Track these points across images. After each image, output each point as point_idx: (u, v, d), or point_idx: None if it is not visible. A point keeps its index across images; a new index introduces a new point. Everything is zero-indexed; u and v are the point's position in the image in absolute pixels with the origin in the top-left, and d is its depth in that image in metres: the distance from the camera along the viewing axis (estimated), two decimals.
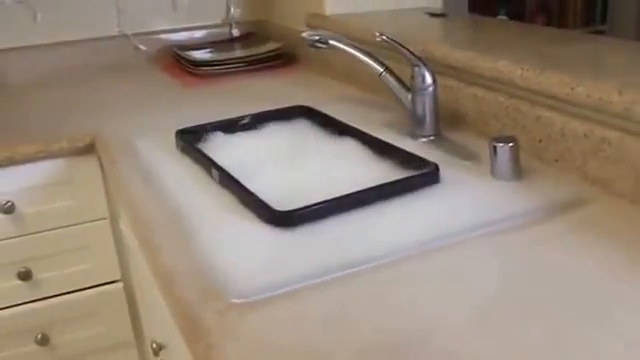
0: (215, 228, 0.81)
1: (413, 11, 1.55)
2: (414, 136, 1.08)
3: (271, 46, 1.65)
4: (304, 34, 1.06)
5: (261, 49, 1.66)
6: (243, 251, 0.75)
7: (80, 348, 1.40)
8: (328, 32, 1.07)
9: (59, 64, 1.73)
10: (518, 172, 0.91)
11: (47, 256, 1.31)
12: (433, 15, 1.46)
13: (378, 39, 0.97)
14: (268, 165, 0.98)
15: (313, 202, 0.81)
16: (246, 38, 1.80)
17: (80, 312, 1.37)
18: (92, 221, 1.32)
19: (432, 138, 1.07)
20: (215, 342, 0.60)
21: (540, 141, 0.97)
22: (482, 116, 1.07)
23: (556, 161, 0.95)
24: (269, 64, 1.61)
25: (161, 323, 1.03)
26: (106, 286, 1.38)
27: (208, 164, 0.96)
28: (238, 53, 1.69)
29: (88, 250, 1.34)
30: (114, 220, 1.34)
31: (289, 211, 0.79)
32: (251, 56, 1.61)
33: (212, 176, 0.94)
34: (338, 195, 0.82)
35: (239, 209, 0.85)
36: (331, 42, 1.03)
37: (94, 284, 1.37)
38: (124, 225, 1.28)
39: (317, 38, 1.03)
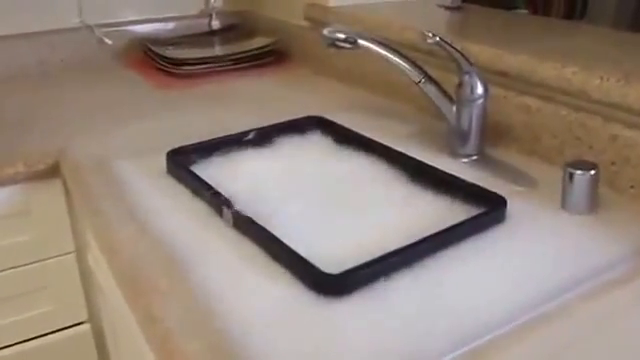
0: (234, 293, 0.61)
1: (423, 3, 1.37)
2: (454, 155, 0.90)
3: (261, 41, 1.43)
4: (324, 31, 0.86)
5: (250, 45, 1.43)
6: (282, 332, 0.56)
7: None
8: (348, 28, 0.88)
9: (8, 62, 1.46)
10: (595, 203, 0.75)
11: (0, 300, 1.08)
12: (447, 8, 1.29)
13: (430, 40, 0.78)
14: (288, 197, 0.79)
15: (366, 259, 0.62)
16: (228, 31, 1.57)
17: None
18: (55, 257, 1.09)
19: (475, 157, 0.90)
20: None
21: (613, 164, 0.81)
22: (533, 131, 0.90)
23: (632, 187, 0.79)
24: (259, 62, 1.39)
25: None
26: (71, 329, 1.16)
27: (215, 200, 0.76)
28: (221, 49, 1.46)
29: (50, 290, 1.11)
30: (80, 254, 1.12)
31: (342, 274, 0.60)
32: (239, 53, 1.39)
33: (222, 216, 0.74)
34: (394, 248, 0.63)
35: (264, 263, 0.65)
36: (361, 42, 0.83)
37: (57, 328, 1.14)
38: (93, 261, 1.06)
39: (343, 37, 0.84)
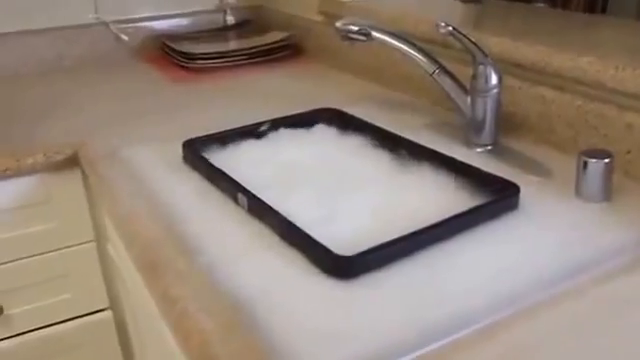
0: (255, 274, 0.62)
1: None
2: (468, 145, 0.91)
3: (275, 36, 1.44)
4: (337, 24, 0.87)
5: (264, 39, 1.45)
6: (297, 310, 0.57)
7: None
8: (362, 20, 0.88)
9: (27, 57, 1.48)
10: (609, 192, 0.75)
11: (21, 288, 1.10)
12: (465, 1, 1.29)
13: (443, 30, 0.79)
14: (301, 185, 0.80)
15: (377, 242, 0.62)
16: (243, 26, 1.59)
17: (62, 347, 1.17)
18: (75, 245, 1.11)
19: (489, 147, 0.90)
20: None
21: (628, 152, 0.81)
22: (548, 121, 0.90)
23: None
24: (274, 57, 1.40)
25: None
26: (92, 316, 1.18)
27: (230, 186, 0.77)
28: (235, 44, 1.48)
29: (70, 278, 1.13)
30: (100, 242, 1.13)
31: (354, 256, 0.61)
32: (253, 47, 1.40)
33: (237, 202, 0.75)
34: (405, 232, 0.64)
35: (280, 247, 0.66)
36: (375, 34, 0.84)
37: (79, 314, 1.16)
38: (113, 249, 1.08)
39: (356, 29, 0.84)
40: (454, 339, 0.53)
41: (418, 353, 0.51)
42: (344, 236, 0.65)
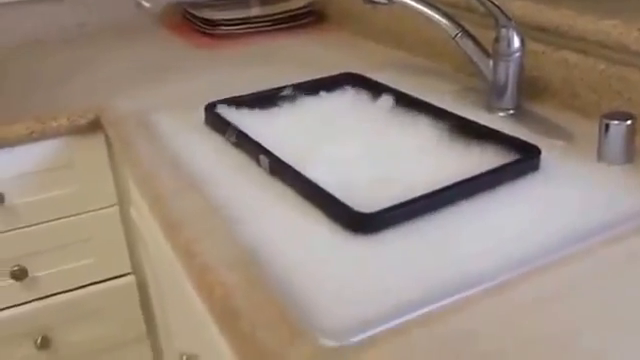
0: (277, 232, 0.63)
1: None
2: (490, 109, 0.90)
3: (299, 2, 1.44)
4: None
5: (287, 5, 1.44)
6: (319, 265, 0.58)
7: (86, 349, 1.23)
8: None
9: (49, 24, 1.49)
10: (631, 155, 0.75)
11: (45, 252, 1.12)
12: None
13: None
14: (323, 148, 0.80)
15: (398, 201, 0.63)
16: None
17: (85, 310, 1.20)
18: (97, 209, 1.13)
19: (512, 112, 0.90)
20: None
21: None
22: (571, 86, 0.89)
23: None
24: (297, 23, 1.40)
25: (193, 332, 0.87)
26: (115, 280, 1.20)
27: (252, 148, 0.77)
28: (258, 10, 1.47)
29: (93, 242, 1.15)
30: (123, 207, 1.15)
31: (374, 213, 0.62)
32: (276, 14, 1.40)
33: (259, 163, 0.76)
34: (424, 192, 0.65)
35: (301, 206, 0.67)
36: None
37: (100, 279, 1.19)
38: (136, 213, 1.10)
39: None
40: (466, 296, 0.53)
41: (431, 308, 0.52)
42: (364, 195, 0.66)
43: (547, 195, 0.68)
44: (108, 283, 1.20)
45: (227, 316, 0.55)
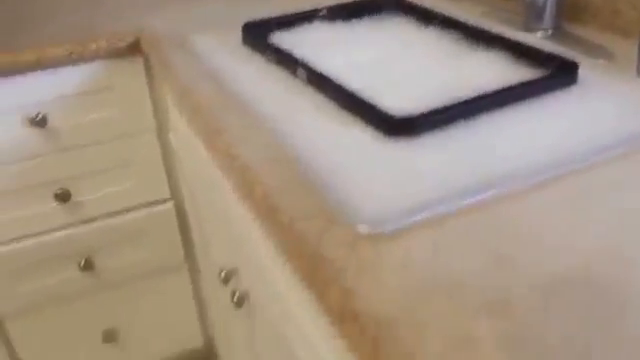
0: (315, 137, 0.64)
1: None
2: (529, 29, 0.89)
3: None
4: None
5: None
6: (357, 165, 0.59)
7: (127, 273, 1.27)
8: None
9: None
10: None
11: (86, 175, 1.16)
12: None
13: None
14: (363, 65, 0.80)
15: (433, 107, 0.64)
16: None
17: (126, 235, 1.24)
18: (136, 133, 1.16)
19: (550, 32, 0.88)
20: (352, 285, 0.45)
21: None
22: (613, 5, 0.87)
23: None
24: None
25: (231, 247, 0.89)
26: (154, 206, 1.24)
27: (290, 62, 0.78)
28: None
29: (133, 167, 1.18)
30: (162, 133, 1.18)
31: (409, 118, 0.62)
32: None
33: (297, 75, 0.77)
34: (460, 99, 0.65)
35: (339, 115, 0.68)
36: None
37: (140, 204, 1.23)
38: (175, 138, 1.12)
39: None
40: (498, 193, 0.54)
41: (465, 202, 0.53)
42: (402, 105, 0.66)
43: (583, 107, 0.67)
44: (147, 209, 1.23)
45: (266, 211, 0.57)
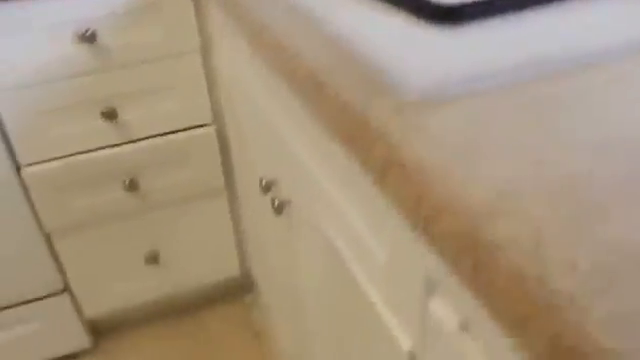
0: (359, 26, 0.65)
1: None
2: None
3: None
4: None
5: None
6: (401, 47, 0.59)
7: (169, 195, 1.31)
8: None
9: None
10: None
11: (132, 94, 1.19)
12: None
13: None
14: None
15: None
16: None
17: (169, 156, 1.27)
18: (181, 55, 1.18)
19: None
20: (397, 141, 0.46)
21: None
22: None
23: None
24: None
25: (275, 157, 0.91)
26: (197, 129, 1.27)
27: None
28: None
29: (177, 89, 1.21)
30: (206, 53, 1.20)
31: (456, 6, 0.62)
32: None
33: None
34: None
35: (384, 6, 0.69)
36: None
37: (184, 127, 1.25)
38: (218, 58, 1.14)
39: None
40: (545, 72, 0.54)
41: (511, 78, 0.53)
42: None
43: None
44: (190, 132, 1.26)
45: (311, 89, 0.59)
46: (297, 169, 0.79)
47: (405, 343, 0.57)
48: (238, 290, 1.57)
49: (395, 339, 0.59)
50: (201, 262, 1.44)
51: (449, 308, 0.48)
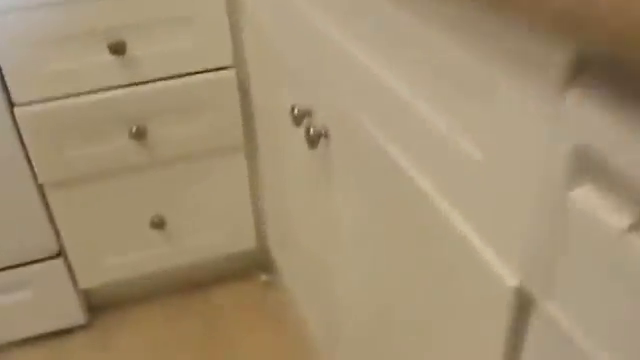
0: None
1: None
2: None
3: None
4: None
5: None
6: None
7: (180, 148, 1.16)
8: None
9: None
10: None
11: (144, 25, 1.04)
12: None
13: None
14: None
15: None
16: None
17: (182, 103, 1.12)
18: None
19: None
20: None
21: None
22: None
23: None
24: None
25: (313, 82, 0.76)
26: (215, 72, 1.12)
27: None
28: None
29: (195, 23, 1.06)
30: None
31: None
32: None
33: None
34: None
35: None
36: None
37: (201, 69, 1.10)
38: None
39: None
40: None
41: None
42: None
43: None
44: (208, 75, 1.11)
45: None
46: (361, 84, 0.63)
47: (509, 277, 0.41)
48: (253, 266, 1.41)
49: (494, 274, 0.42)
50: (213, 231, 1.28)
51: (611, 202, 0.31)
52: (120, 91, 1.08)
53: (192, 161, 1.19)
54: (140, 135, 1.11)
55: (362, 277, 0.74)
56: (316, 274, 0.96)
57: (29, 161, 1.08)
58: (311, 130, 0.75)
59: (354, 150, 0.66)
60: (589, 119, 0.30)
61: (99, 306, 1.34)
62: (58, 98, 1.05)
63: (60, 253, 1.20)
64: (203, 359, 1.22)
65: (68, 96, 1.06)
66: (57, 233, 1.18)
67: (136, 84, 1.08)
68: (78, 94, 1.06)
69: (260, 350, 1.22)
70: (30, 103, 1.04)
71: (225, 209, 1.26)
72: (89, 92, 1.07)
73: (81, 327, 1.30)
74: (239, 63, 1.12)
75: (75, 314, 1.27)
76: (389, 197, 0.59)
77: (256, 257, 1.39)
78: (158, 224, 1.22)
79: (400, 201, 0.57)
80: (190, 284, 1.39)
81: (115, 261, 1.25)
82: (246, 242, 1.32)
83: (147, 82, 1.09)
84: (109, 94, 1.07)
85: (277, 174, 1.09)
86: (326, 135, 0.76)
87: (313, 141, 0.75)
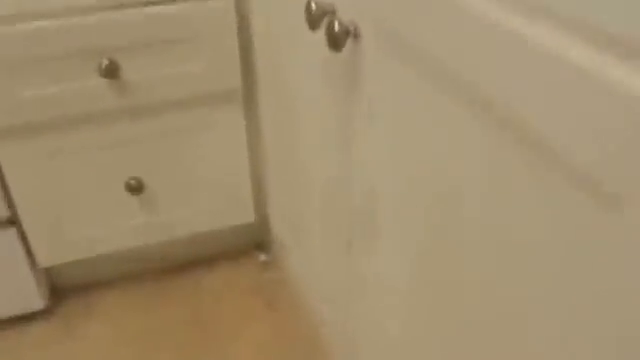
0: None
1: None
2: None
3: None
4: None
5: None
6: None
7: (162, 91, 0.95)
8: None
9: None
10: None
11: None
12: None
13: None
14: None
15: None
16: None
17: (167, 34, 0.92)
18: None
19: None
20: None
21: None
22: None
23: None
24: None
25: None
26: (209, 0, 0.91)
27: None
28: None
29: None
30: None
31: None
32: None
33: None
34: None
35: None
36: None
37: None
38: None
39: None
40: None
41: None
42: None
43: None
44: (200, 2, 0.90)
45: None
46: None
47: None
48: (250, 244, 1.22)
49: None
50: (202, 199, 1.08)
51: None
52: (89, 17, 0.87)
53: (177, 110, 0.98)
54: (111, 72, 0.90)
55: (407, 259, 0.54)
56: (336, 253, 0.75)
57: None
58: (335, 25, 0.53)
59: (396, 52, 0.45)
60: None
61: (62, 289, 1.15)
62: (10, 23, 0.84)
63: (14, 221, 0.99)
64: (189, 354, 1.03)
65: (26, 19, 0.85)
66: (7, 196, 0.96)
67: (110, 9, 0.87)
68: (35, 17, 0.85)
69: (257, 344, 1.04)
70: None
71: (218, 173, 1.07)
72: (50, 16, 0.86)
73: (41, 313, 1.10)
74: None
75: (33, 298, 1.07)
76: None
77: (254, 233, 1.20)
78: (135, 188, 1.02)
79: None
80: (174, 264, 1.20)
81: (82, 234, 1.04)
82: (243, 215, 1.13)
83: (123, 6, 0.88)
84: (75, 20, 0.87)
85: (284, 119, 0.89)
86: (356, 34, 0.54)
87: (338, 40, 0.54)
